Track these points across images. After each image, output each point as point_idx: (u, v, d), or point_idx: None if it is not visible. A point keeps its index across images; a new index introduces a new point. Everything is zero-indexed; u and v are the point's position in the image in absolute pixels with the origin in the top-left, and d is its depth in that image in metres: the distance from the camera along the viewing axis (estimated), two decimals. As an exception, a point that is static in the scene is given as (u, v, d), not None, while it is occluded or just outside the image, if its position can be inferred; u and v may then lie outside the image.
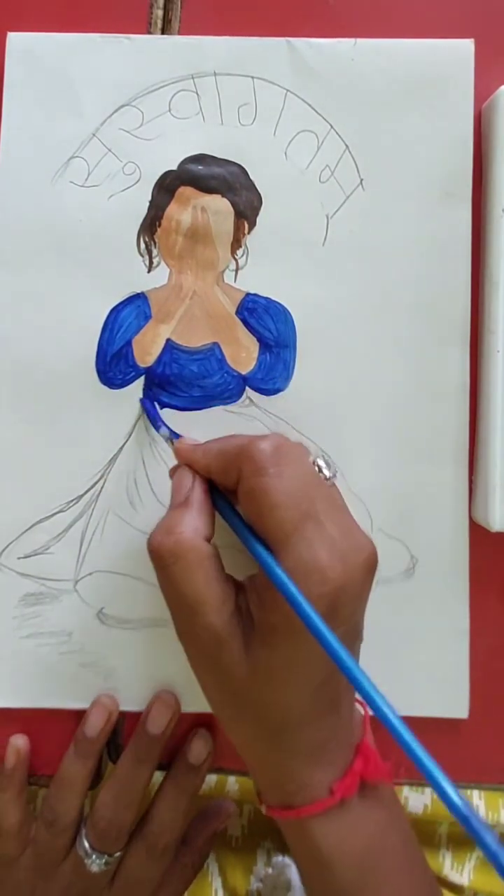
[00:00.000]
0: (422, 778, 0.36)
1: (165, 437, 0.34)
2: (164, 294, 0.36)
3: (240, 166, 0.36)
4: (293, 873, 0.36)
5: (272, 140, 0.36)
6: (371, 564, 0.28)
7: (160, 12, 0.37)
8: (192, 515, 0.29)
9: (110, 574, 0.36)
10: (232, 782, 0.37)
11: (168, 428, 0.34)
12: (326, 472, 0.29)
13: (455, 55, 0.36)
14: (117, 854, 0.34)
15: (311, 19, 0.37)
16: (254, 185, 0.36)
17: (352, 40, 0.36)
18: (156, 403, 0.36)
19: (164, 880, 0.35)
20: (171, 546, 0.27)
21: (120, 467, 0.36)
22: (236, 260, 0.36)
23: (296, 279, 0.36)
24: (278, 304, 0.36)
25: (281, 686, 0.27)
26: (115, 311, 0.36)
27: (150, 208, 0.36)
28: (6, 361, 0.36)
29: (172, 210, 0.36)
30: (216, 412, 0.36)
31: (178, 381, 0.36)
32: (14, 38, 0.36)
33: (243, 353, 0.36)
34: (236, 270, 0.36)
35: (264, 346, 0.36)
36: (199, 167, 0.36)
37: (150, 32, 0.37)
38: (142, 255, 0.36)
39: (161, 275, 0.36)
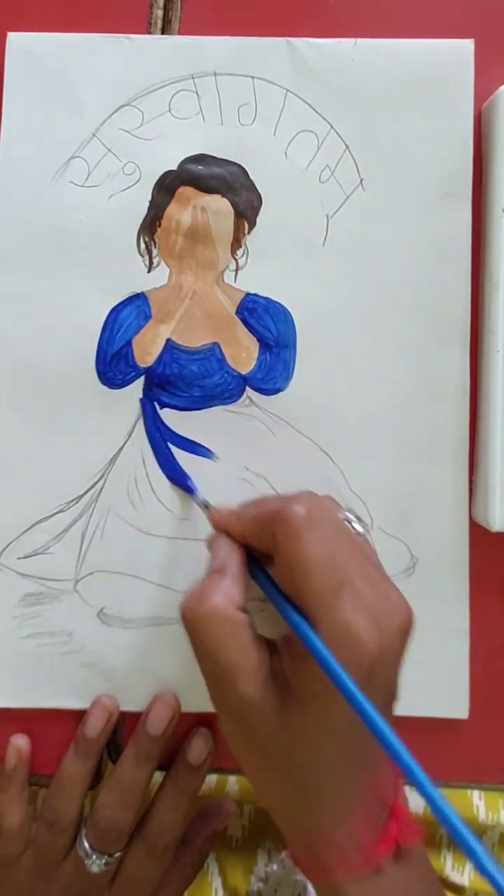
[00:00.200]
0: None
1: (201, 504, 0.34)
2: (164, 294, 0.36)
3: (240, 166, 0.36)
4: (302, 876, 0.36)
5: (272, 140, 0.36)
6: (407, 628, 0.27)
7: (160, 12, 0.37)
8: (227, 583, 0.28)
9: (111, 574, 0.36)
10: (232, 782, 0.37)
11: (201, 494, 0.34)
12: (358, 528, 0.29)
13: (455, 55, 0.36)
14: (117, 854, 0.34)
15: (311, 19, 0.37)
16: (254, 185, 0.36)
17: (352, 40, 0.36)
18: (190, 480, 0.35)
19: (164, 880, 0.35)
20: (204, 614, 0.27)
21: (120, 467, 0.36)
22: (236, 260, 0.36)
23: (296, 279, 0.36)
24: (278, 304, 0.36)
25: (315, 749, 0.27)
26: (115, 311, 0.36)
27: (150, 208, 0.36)
28: (6, 361, 0.36)
29: (172, 210, 0.36)
30: (216, 412, 0.36)
31: (178, 381, 0.36)
32: (14, 38, 0.36)
33: (243, 353, 0.36)
34: (236, 270, 0.36)
35: (264, 346, 0.36)
36: (199, 167, 0.36)
37: (150, 32, 0.37)
38: (142, 255, 0.36)
39: (161, 275, 0.36)
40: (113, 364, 0.36)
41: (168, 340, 0.36)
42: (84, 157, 0.36)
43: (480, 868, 0.22)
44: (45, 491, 0.36)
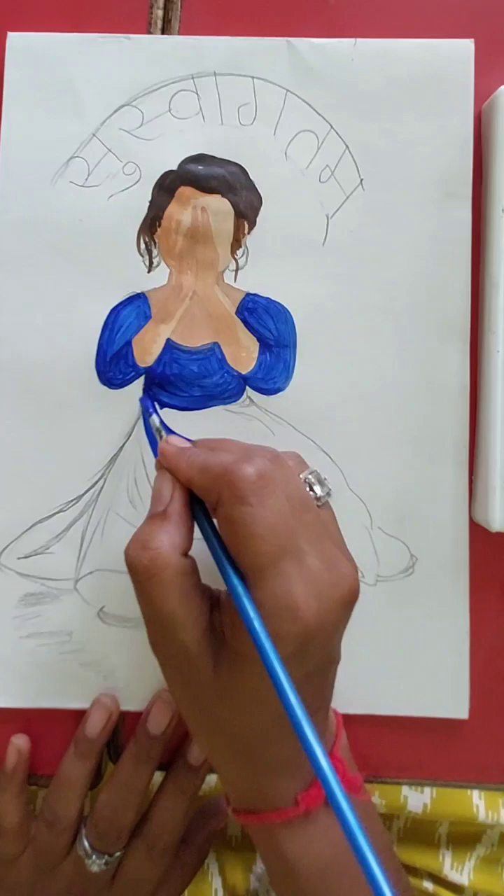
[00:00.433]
0: (421, 776, 0.36)
1: (156, 427, 0.33)
2: (164, 294, 0.36)
3: (240, 166, 0.36)
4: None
5: (272, 140, 0.36)
6: (349, 599, 0.27)
7: (160, 12, 0.37)
8: (169, 529, 0.28)
9: (111, 573, 0.36)
10: (232, 782, 0.37)
11: (160, 418, 0.33)
12: (318, 492, 0.28)
13: (455, 55, 0.36)
14: (117, 854, 0.34)
15: (311, 19, 0.37)
16: (254, 185, 0.36)
17: (352, 40, 0.36)
18: (155, 403, 0.35)
19: (164, 880, 0.35)
20: (146, 562, 0.27)
21: (120, 467, 0.36)
22: (236, 260, 0.36)
23: (296, 279, 0.36)
24: (278, 304, 0.36)
25: (246, 707, 0.27)
26: (115, 311, 0.36)
27: (150, 208, 0.36)
28: (6, 361, 0.36)
29: (172, 210, 0.36)
30: (216, 412, 0.36)
31: (179, 381, 0.36)
32: (14, 38, 0.36)
33: (243, 353, 0.36)
34: (236, 270, 0.36)
35: (264, 346, 0.36)
36: (199, 167, 0.36)
37: (150, 32, 0.37)
38: (142, 255, 0.36)
39: (161, 275, 0.36)
40: (113, 364, 0.36)
41: (168, 340, 0.36)
42: (84, 157, 0.36)
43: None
44: (45, 491, 0.36)
